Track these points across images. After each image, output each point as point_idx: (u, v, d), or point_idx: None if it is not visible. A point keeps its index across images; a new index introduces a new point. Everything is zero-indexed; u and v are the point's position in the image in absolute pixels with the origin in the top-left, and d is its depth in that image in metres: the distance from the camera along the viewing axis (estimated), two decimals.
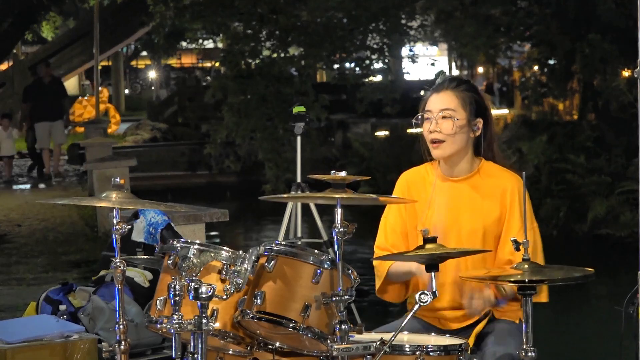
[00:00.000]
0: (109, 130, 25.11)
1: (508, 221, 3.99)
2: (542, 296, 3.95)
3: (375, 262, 4.08)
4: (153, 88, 43.46)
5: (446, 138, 3.99)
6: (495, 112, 4.17)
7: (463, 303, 3.94)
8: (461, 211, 4.01)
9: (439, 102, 4.02)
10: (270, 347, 3.71)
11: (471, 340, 3.87)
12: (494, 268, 3.94)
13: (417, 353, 3.59)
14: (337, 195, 3.51)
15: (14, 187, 17.35)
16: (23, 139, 19.01)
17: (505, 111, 24.99)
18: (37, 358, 5.33)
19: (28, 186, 17.60)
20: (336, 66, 19.67)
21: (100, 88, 25.46)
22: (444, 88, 4.04)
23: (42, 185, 17.68)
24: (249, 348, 3.72)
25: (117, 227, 3.84)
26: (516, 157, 14.98)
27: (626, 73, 18.18)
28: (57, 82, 18.19)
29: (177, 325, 3.40)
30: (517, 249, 3.48)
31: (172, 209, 4.08)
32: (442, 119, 4.00)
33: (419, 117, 4.06)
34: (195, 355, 3.40)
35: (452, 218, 4.01)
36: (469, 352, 3.68)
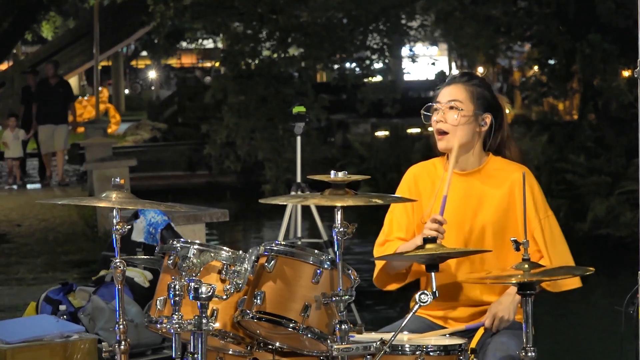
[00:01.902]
0: (109, 130, 25.11)
1: (517, 218, 3.96)
2: (575, 281, 3.96)
3: (376, 251, 4.07)
4: (153, 88, 43.47)
5: (450, 129, 3.99)
6: None
7: (486, 325, 3.90)
8: (468, 205, 4.00)
9: (448, 94, 4.03)
10: (270, 347, 3.71)
11: (475, 340, 3.86)
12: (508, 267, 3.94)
13: (417, 353, 3.58)
14: (338, 204, 3.50)
15: (14, 187, 17.31)
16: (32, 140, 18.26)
17: (505, 111, 24.95)
18: (37, 358, 5.33)
19: (28, 186, 17.57)
20: (336, 66, 19.68)
21: (100, 88, 25.47)
22: (455, 81, 4.07)
23: (38, 185, 17.60)
24: (249, 348, 3.72)
25: (117, 227, 3.84)
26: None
27: (626, 73, 18.20)
28: (64, 84, 17.38)
29: (177, 325, 3.40)
30: (517, 249, 3.47)
31: (172, 209, 4.08)
32: (448, 109, 4.00)
33: (428, 107, 4.06)
34: (195, 356, 3.40)
35: (459, 211, 3.99)
36: (468, 352, 3.68)
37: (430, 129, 4.12)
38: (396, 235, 4.08)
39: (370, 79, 20.23)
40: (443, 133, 4.00)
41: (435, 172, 4.09)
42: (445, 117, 4.00)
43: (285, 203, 3.80)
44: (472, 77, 4.10)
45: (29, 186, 17.46)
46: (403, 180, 4.15)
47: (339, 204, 3.48)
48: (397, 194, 4.03)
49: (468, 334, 3.93)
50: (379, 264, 4.06)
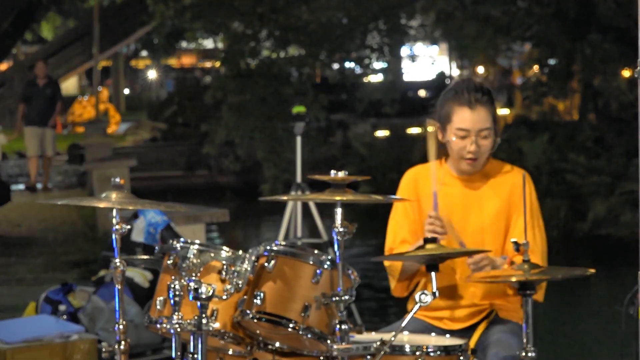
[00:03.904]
0: (109, 130, 25.10)
1: (516, 221, 3.97)
2: (539, 295, 3.93)
3: (386, 263, 4.07)
4: (153, 88, 43.45)
5: (481, 155, 3.99)
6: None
7: (468, 263, 3.87)
8: (468, 209, 4.00)
9: (477, 121, 3.95)
10: (270, 347, 3.71)
11: (473, 340, 3.86)
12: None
13: (417, 353, 3.58)
14: (337, 198, 3.51)
15: (13, 187, 17.24)
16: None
17: (505, 111, 25.01)
18: (37, 358, 5.34)
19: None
20: (336, 66, 19.68)
21: (100, 88, 25.45)
22: (479, 103, 3.96)
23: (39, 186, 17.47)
24: (248, 348, 3.72)
25: (117, 227, 3.84)
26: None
27: (626, 73, 18.21)
28: (53, 85, 16.05)
29: (177, 326, 3.40)
30: (517, 250, 3.47)
31: (172, 209, 4.07)
32: (481, 138, 3.96)
33: (463, 134, 3.95)
34: (195, 356, 3.40)
35: (459, 216, 3.99)
36: (469, 352, 3.68)
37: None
38: (400, 240, 4.07)
39: (368, 78, 20.24)
40: (474, 159, 3.97)
41: (436, 176, 4.09)
42: (479, 147, 3.95)
43: (285, 199, 3.79)
44: (485, 93, 4.00)
45: (15, 187, 17.22)
46: (402, 183, 4.15)
47: (337, 198, 3.48)
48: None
49: (467, 332, 3.94)
50: (394, 277, 4.06)
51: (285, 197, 4.12)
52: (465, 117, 3.95)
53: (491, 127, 3.97)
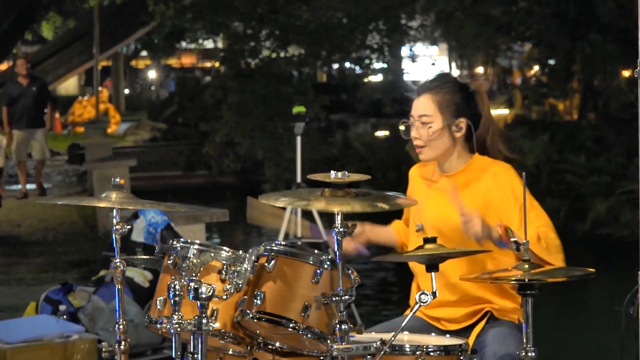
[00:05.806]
0: (109, 130, 25.09)
1: (506, 212, 3.93)
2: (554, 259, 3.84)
3: None
4: (153, 88, 43.44)
5: (426, 143, 4.04)
6: (495, 112, 4.18)
7: (461, 213, 3.85)
8: (450, 206, 4.00)
9: (419, 107, 4.06)
10: (270, 347, 3.71)
11: (471, 341, 3.86)
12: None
13: (418, 353, 3.58)
14: (337, 209, 3.50)
15: (14, 187, 17.23)
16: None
17: (505, 111, 25.01)
18: (37, 358, 5.35)
19: (29, 186, 17.52)
20: (336, 66, 19.71)
21: (100, 88, 25.43)
22: (424, 91, 4.07)
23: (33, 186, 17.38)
24: (248, 348, 3.72)
25: (117, 227, 3.84)
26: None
27: (626, 73, 18.22)
28: (38, 83, 14.97)
29: (177, 325, 3.40)
30: (517, 250, 3.47)
31: (172, 209, 4.08)
32: (420, 125, 4.04)
33: (406, 121, 4.11)
34: (195, 356, 3.40)
35: (447, 213, 3.99)
36: (469, 352, 3.67)
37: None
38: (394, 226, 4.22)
39: (368, 78, 20.25)
40: (420, 147, 4.06)
41: (428, 174, 4.12)
42: (420, 133, 4.05)
43: (284, 205, 3.79)
44: (440, 84, 4.05)
45: (15, 186, 17.14)
46: (409, 176, 4.26)
47: (337, 209, 3.49)
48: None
49: (464, 333, 3.93)
50: None
51: (282, 198, 4.11)
52: (413, 104, 4.10)
53: (433, 115, 4.01)
